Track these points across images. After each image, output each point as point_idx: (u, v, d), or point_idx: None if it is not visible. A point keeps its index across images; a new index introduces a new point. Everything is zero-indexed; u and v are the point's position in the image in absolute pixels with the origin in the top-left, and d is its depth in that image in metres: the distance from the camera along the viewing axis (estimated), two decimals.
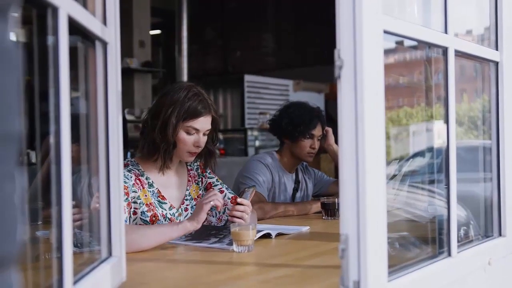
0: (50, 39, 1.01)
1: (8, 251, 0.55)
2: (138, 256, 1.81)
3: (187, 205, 2.32)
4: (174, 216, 2.25)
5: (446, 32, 1.51)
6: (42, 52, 1.04)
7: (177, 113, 2.14)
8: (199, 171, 2.41)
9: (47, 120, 1.02)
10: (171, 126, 2.15)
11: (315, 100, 6.33)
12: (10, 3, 0.58)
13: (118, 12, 1.39)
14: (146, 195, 2.18)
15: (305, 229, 2.33)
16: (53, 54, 1.00)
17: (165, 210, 2.22)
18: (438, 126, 1.87)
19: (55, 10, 0.99)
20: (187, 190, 2.35)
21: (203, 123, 2.20)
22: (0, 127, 0.55)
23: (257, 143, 7.46)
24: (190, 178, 2.37)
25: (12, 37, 0.59)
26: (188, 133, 2.19)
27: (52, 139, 1.00)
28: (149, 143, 2.19)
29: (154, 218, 2.16)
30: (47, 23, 1.01)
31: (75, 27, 1.10)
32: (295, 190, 3.11)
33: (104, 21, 1.34)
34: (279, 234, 2.17)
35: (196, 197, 2.37)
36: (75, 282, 1.07)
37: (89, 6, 1.27)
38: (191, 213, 2.30)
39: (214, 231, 2.13)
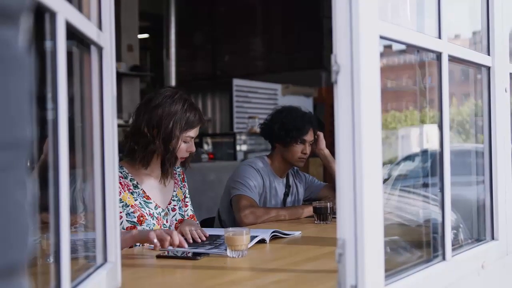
0: (47, 44, 1.01)
1: (20, 258, 0.55)
2: (133, 262, 1.80)
3: (174, 205, 2.39)
4: (160, 215, 2.30)
5: (439, 37, 1.52)
6: (38, 57, 1.03)
7: (180, 125, 2.23)
8: (180, 177, 2.49)
9: (39, 124, 1.01)
10: (175, 139, 2.23)
11: (304, 104, 6.34)
12: (21, 10, 0.58)
13: (113, 16, 1.38)
14: (129, 198, 2.22)
15: (297, 233, 2.34)
16: (51, 59, 1.00)
17: (151, 209, 2.26)
18: (428, 130, 1.88)
19: (53, 15, 0.99)
20: (174, 191, 2.41)
21: (197, 131, 2.32)
22: (11, 133, 0.54)
23: (246, 147, 7.44)
24: (176, 181, 2.45)
25: (23, 43, 0.59)
26: (185, 142, 2.28)
27: (50, 144, 1.00)
28: (149, 154, 2.24)
29: (141, 218, 2.21)
30: (44, 27, 1.00)
31: (71, 32, 1.10)
32: (286, 194, 3.11)
33: (100, 26, 1.34)
34: (273, 237, 2.17)
35: (181, 199, 2.44)
36: None
37: (84, 11, 1.27)
38: (179, 213, 2.39)
39: (208, 240, 2.12)
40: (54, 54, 1.00)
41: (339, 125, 1.18)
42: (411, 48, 1.60)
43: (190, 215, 2.45)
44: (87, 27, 1.20)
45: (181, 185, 2.48)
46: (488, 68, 1.82)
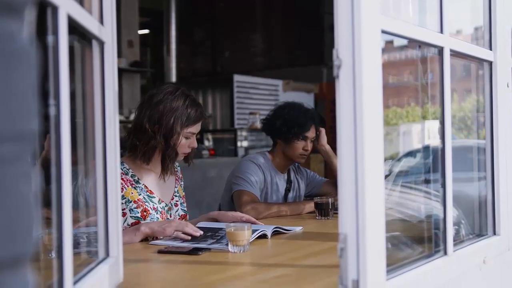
0: (49, 38, 1.00)
1: (25, 250, 0.55)
2: (135, 257, 1.81)
3: (176, 201, 2.42)
4: (164, 209, 2.32)
5: (441, 31, 1.51)
6: (40, 51, 1.03)
7: (181, 121, 2.24)
8: (180, 176, 2.52)
9: (45, 120, 1.01)
10: (175, 135, 2.24)
11: (305, 100, 6.33)
12: (25, 3, 0.58)
13: (114, 11, 1.38)
14: (132, 193, 2.23)
15: (298, 229, 2.34)
16: (53, 54, 0.99)
17: (155, 203, 2.28)
18: (430, 125, 1.88)
19: (55, 9, 0.98)
20: (175, 187, 2.43)
21: (199, 126, 2.33)
22: (17, 126, 0.54)
23: (247, 143, 7.44)
24: (177, 177, 2.47)
25: (28, 35, 0.59)
26: (187, 137, 2.29)
27: (52, 140, 1.00)
28: (151, 149, 2.25)
29: (145, 213, 2.22)
30: (46, 22, 1.00)
31: (72, 26, 1.10)
32: (287, 190, 3.11)
33: (101, 20, 1.34)
34: (275, 233, 2.18)
35: (181, 196, 2.47)
36: (74, 283, 1.07)
37: (85, 5, 1.27)
38: (181, 209, 2.42)
39: (210, 232, 2.12)
40: (56, 49, 1.00)
41: (341, 119, 1.18)
42: (412, 43, 1.60)
43: (182, 214, 2.45)
44: (88, 22, 1.20)
45: (181, 183, 2.51)
46: (490, 63, 1.82)
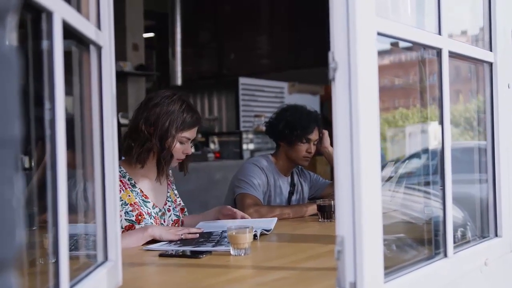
0: (44, 44, 1.01)
1: (7, 254, 0.55)
2: (134, 261, 1.81)
3: (169, 206, 2.43)
4: (157, 215, 2.34)
5: (440, 33, 1.51)
6: (36, 57, 1.03)
7: (176, 124, 2.26)
8: (172, 179, 2.54)
9: (41, 125, 1.02)
10: (170, 137, 2.26)
11: (310, 102, 6.34)
12: (8, 8, 0.58)
13: (112, 16, 1.39)
14: (129, 196, 2.25)
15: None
16: (48, 59, 1.00)
17: (149, 208, 2.30)
18: (434, 127, 1.87)
19: (49, 14, 0.99)
20: (168, 192, 2.45)
21: (195, 132, 2.35)
22: (0, 131, 0.55)
23: (253, 146, 7.44)
24: (169, 182, 2.49)
25: (10, 42, 0.59)
26: (181, 142, 2.31)
27: (47, 144, 1.00)
28: (145, 151, 2.25)
29: (140, 217, 2.24)
30: (41, 27, 1.01)
31: (69, 31, 1.10)
32: (291, 193, 3.11)
33: (98, 25, 1.34)
34: (262, 234, 2.21)
35: (173, 200, 2.48)
36: (71, 287, 1.07)
37: (83, 10, 1.27)
38: (174, 214, 2.43)
39: (202, 238, 2.12)
40: (51, 54, 1.00)
41: (337, 122, 1.18)
42: (415, 45, 1.60)
43: (181, 208, 2.50)
44: (85, 27, 1.21)
45: (172, 186, 2.53)
46: (491, 64, 1.81)
